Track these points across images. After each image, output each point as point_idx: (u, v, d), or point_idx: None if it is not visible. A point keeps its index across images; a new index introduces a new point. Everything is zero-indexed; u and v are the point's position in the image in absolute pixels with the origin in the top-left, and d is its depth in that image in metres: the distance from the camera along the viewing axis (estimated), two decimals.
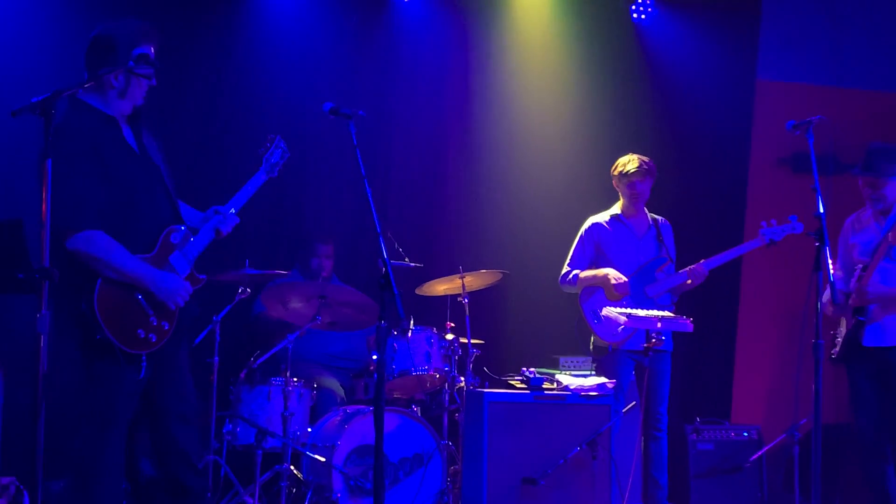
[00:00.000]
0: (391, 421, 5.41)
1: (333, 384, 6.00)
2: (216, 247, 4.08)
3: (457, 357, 5.75)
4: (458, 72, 7.15)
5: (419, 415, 5.62)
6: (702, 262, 5.70)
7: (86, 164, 3.70)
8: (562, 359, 5.49)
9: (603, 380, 5.37)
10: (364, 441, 5.35)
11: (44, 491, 3.38)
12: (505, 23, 7.26)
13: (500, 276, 6.00)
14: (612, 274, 5.68)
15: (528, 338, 6.85)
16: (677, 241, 6.01)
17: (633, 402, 5.68)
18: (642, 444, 5.37)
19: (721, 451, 6.40)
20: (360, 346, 6.22)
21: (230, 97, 6.59)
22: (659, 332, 5.26)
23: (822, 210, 4.27)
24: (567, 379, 5.34)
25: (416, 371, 5.69)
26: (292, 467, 5.32)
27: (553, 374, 5.39)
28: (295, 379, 5.46)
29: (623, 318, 5.19)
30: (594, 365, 5.54)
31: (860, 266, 5.33)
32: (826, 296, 4.82)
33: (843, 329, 5.40)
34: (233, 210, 4.09)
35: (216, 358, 5.37)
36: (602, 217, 5.95)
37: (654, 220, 5.96)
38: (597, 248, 5.89)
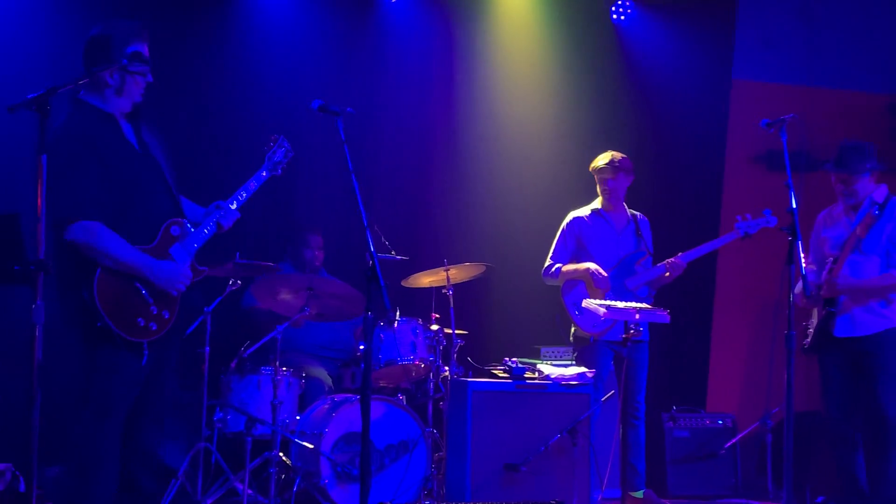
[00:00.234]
0: (377, 409, 5.38)
1: (321, 373, 6.00)
2: (209, 240, 4.09)
3: (441, 347, 5.77)
4: (443, 70, 7.19)
5: (405, 403, 5.59)
6: (679, 255, 5.78)
7: (85, 161, 3.74)
8: (543, 349, 5.52)
9: (583, 369, 5.40)
10: (351, 429, 5.34)
11: (39, 476, 3.42)
12: (489, 23, 7.32)
13: (484, 268, 6.01)
14: (593, 268, 5.78)
15: (511, 329, 6.90)
16: (655, 236, 6.08)
17: (612, 391, 5.72)
18: (621, 431, 5.38)
19: (697, 439, 6.49)
20: (347, 337, 6.25)
21: (225, 95, 6.62)
22: (637, 324, 5.28)
23: (794, 206, 4.35)
24: (548, 368, 5.37)
25: (401, 361, 5.69)
26: (281, 454, 5.30)
27: (535, 364, 5.42)
28: (284, 368, 5.44)
29: (602, 310, 5.20)
30: (574, 355, 5.58)
31: (831, 259, 5.40)
32: (798, 288, 4.92)
33: (814, 320, 5.46)
34: (234, 205, 4.13)
35: (207, 348, 5.37)
36: (583, 211, 6.03)
37: (633, 215, 6.05)
38: (578, 242, 5.96)
